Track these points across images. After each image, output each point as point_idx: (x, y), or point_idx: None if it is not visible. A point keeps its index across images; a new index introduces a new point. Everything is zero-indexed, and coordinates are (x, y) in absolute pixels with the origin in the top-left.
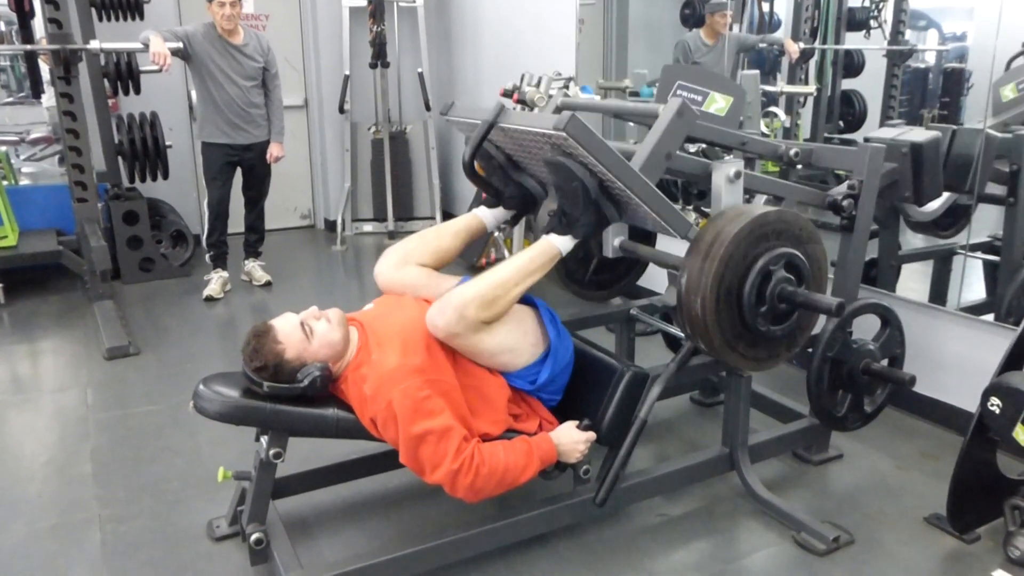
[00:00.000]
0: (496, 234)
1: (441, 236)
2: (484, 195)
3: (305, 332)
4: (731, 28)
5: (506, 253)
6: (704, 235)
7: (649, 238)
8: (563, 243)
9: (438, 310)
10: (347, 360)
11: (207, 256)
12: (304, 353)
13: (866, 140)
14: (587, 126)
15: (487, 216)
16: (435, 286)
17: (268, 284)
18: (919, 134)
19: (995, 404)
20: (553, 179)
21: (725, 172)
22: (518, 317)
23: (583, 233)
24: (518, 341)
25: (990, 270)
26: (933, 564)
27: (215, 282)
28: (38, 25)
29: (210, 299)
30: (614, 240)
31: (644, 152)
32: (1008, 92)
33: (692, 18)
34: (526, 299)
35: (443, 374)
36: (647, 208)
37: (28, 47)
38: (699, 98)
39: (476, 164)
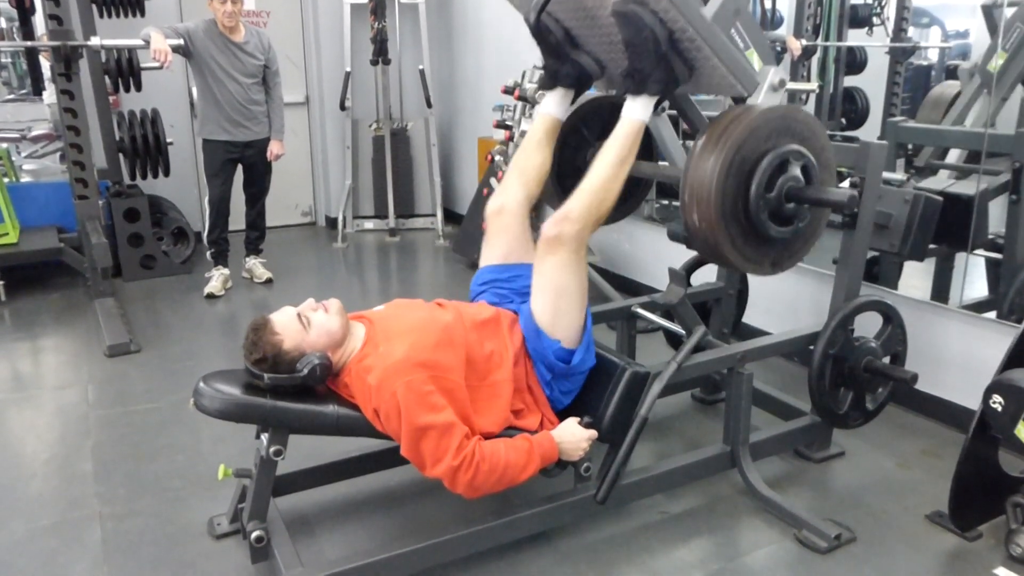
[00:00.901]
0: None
1: (531, 155)
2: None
3: (302, 322)
4: None
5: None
6: (722, 117)
7: (650, 157)
8: (640, 108)
9: (557, 218)
10: (349, 352)
11: (208, 253)
12: (302, 343)
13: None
14: None
15: (553, 107)
16: (529, 250)
17: (269, 281)
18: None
19: (997, 402)
20: (623, 33)
21: (772, 78)
22: (585, 296)
23: (657, 89)
24: (579, 306)
25: (992, 268)
26: (935, 562)
27: (216, 279)
28: (39, 21)
29: (211, 296)
30: None
31: (715, 3)
32: (998, 60)
33: None
34: None
35: (450, 372)
36: (717, 60)
37: (29, 43)
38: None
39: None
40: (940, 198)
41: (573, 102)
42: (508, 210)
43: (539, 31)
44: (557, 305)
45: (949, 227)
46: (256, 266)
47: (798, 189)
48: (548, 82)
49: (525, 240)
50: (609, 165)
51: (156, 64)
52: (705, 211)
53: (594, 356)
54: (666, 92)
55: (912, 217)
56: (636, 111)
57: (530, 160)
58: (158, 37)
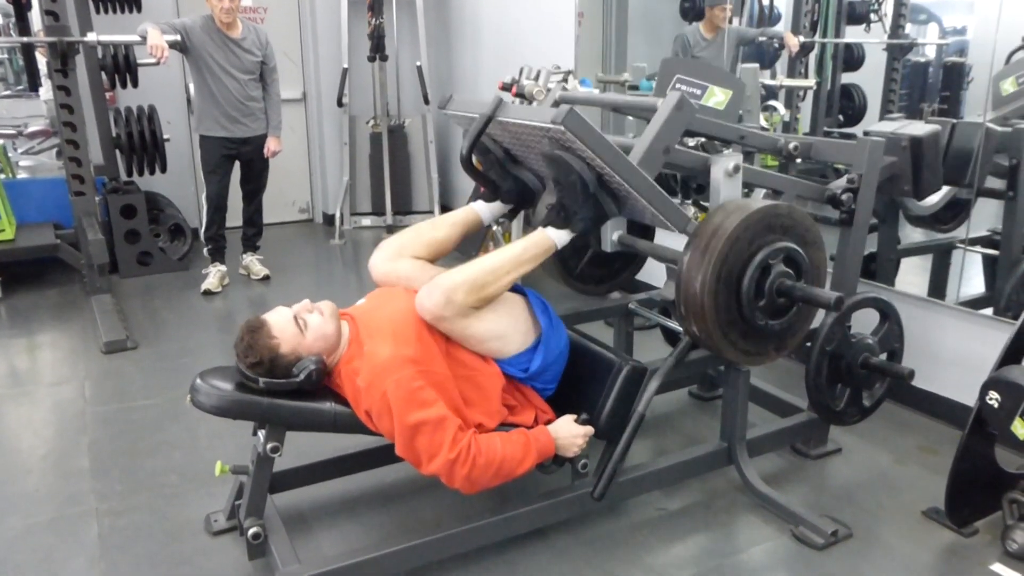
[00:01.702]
0: (495, 228)
1: (436, 228)
2: (482, 189)
3: (299, 325)
4: (731, 22)
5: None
6: (704, 229)
7: (648, 232)
8: (559, 236)
9: (427, 292)
10: (340, 354)
11: (205, 250)
12: (299, 347)
13: (865, 133)
14: (585, 120)
15: (483, 210)
16: (427, 278)
17: (266, 278)
18: (918, 128)
19: (994, 398)
20: (551, 173)
21: (724, 166)
22: (508, 305)
23: (581, 227)
24: (507, 328)
25: (989, 264)
26: (931, 558)
27: (213, 276)
28: (35, 17)
29: (208, 293)
30: (612, 234)
31: (642, 146)
32: (1008, 86)
33: (692, 11)
34: (515, 288)
35: (435, 364)
36: (645, 202)
37: (25, 39)
38: (698, 91)
39: (474, 159)
40: (938, 127)
41: (512, 216)
42: (384, 264)
43: (470, 164)
44: (486, 345)
45: (955, 164)
46: (253, 263)
47: (787, 286)
48: (490, 196)
49: (421, 272)
50: (506, 260)
51: (152, 60)
52: (702, 324)
53: (564, 336)
54: (593, 227)
55: (916, 157)
56: (555, 236)
57: (432, 232)
58: (155, 33)
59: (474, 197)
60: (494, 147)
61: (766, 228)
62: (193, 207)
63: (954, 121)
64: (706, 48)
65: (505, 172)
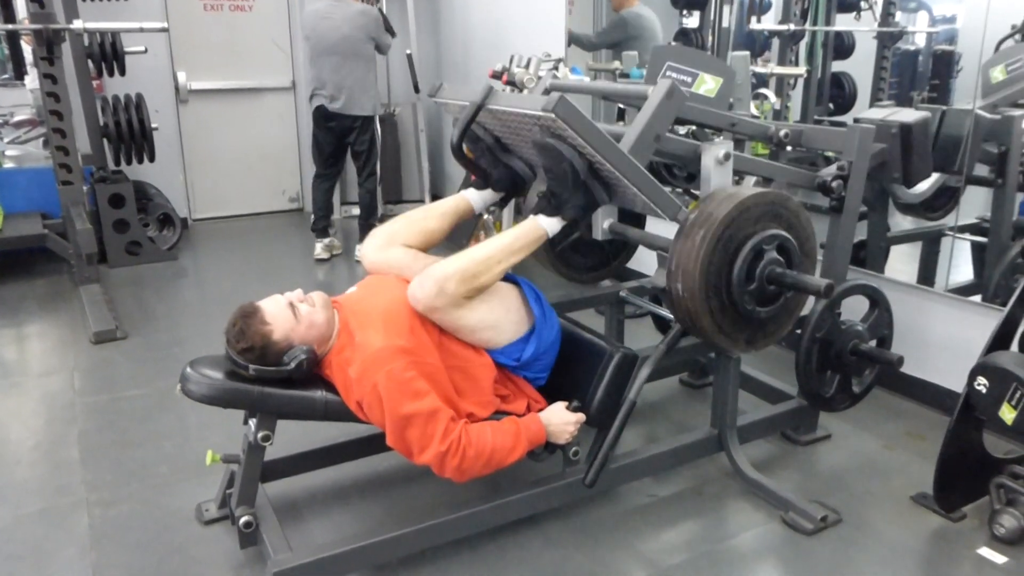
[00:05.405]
0: (486, 216)
1: (428, 217)
2: (473, 177)
3: (293, 313)
4: (722, 11)
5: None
6: (696, 216)
7: (639, 220)
8: (550, 224)
9: (419, 283)
10: (331, 343)
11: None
12: (291, 334)
13: (856, 120)
14: (576, 107)
15: (475, 198)
16: (420, 267)
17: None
18: (908, 115)
19: (982, 384)
20: (542, 161)
21: (714, 154)
22: (501, 294)
23: (572, 215)
24: (500, 318)
25: (978, 251)
26: (919, 542)
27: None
28: (20, 4)
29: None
30: (603, 223)
31: (633, 134)
32: (997, 74)
33: (682, 0)
34: (509, 277)
35: (427, 355)
36: (636, 190)
37: (10, 27)
38: (688, 79)
39: (464, 147)
40: (927, 114)
41: (504, 205)
42: (375, 254)
43: (460, 152)
44: (479, 335)
45: (945, 150)
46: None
47: (778, 274)
48: (481, 185)
49: (413, 261)
50: (498, 249)
51: (139, 49)
52: (689, 282)
53: (556, 325)
54: (584, 215)
55: (906, 144)
56: (546, 224)
57: (424, 221)
58: None
59: (465, 185)
60: (485, 135)
61: (774, 214)
62: (182, 196)
63: (944, 108)
64: None
65: (496, 160)
